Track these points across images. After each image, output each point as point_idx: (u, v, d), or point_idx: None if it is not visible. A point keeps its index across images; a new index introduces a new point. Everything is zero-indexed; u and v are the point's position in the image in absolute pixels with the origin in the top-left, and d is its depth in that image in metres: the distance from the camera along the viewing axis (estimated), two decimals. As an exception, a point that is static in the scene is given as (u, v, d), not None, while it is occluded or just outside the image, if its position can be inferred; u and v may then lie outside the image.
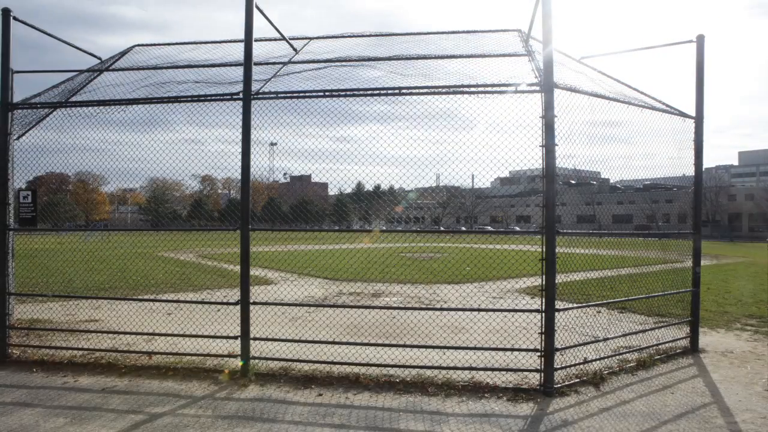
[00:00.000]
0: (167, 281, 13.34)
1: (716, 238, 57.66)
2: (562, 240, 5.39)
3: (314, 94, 5.67)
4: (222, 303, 6.22)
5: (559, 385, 5.22)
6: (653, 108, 6.63)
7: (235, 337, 5.69)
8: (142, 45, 7.93)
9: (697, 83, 6.80)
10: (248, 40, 5.76)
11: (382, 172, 5.78)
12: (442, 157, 5.55)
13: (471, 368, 5.47)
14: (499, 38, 7.09)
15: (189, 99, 6.01)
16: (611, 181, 7.62)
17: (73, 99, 6.58)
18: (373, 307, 6.69)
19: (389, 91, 5.51)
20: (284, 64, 6.80)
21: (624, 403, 4.92)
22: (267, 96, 5.73)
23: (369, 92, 5.55)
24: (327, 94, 5.62)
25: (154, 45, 7.94)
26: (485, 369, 5.46)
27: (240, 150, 5.68)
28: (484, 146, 5.34)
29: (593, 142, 5.71)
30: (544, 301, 5.16)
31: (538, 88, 5.24)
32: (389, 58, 6.65)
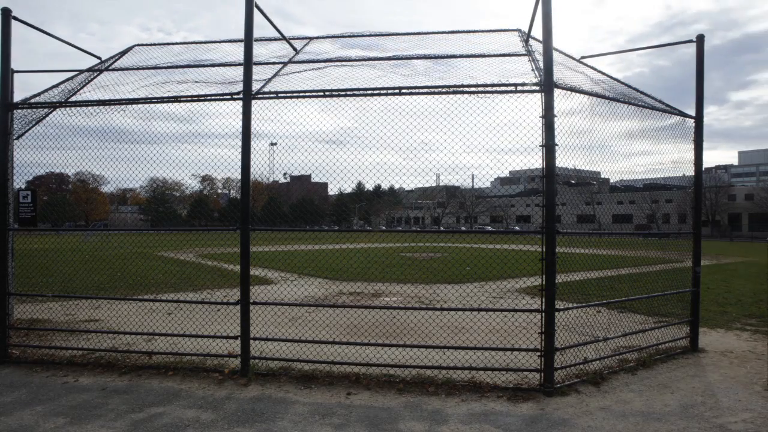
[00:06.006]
0: (167, 281, 13.34)
1: (716, 238, 57.67)
2: (562, 240, 5.39)
3: (314, 94, 5.67)
4: (222, 303, 6.21)
5: (559, 385, 5.22)
6: (653, 108, 6.63)
7: (235, 337, 5.69)
8: (142, 45, 7.93)
9: (696, 83, 6.80)
10: (248, 40, 5.75)
11: (382, 172, 5.78)
12: (442, 156, 5.55)
13: (471, 368, 5.47)
14: (499, 38, 7.10)
15: (189, 99, 6.01)
16: (611, 181, 7.62)
17: (73, 99, 6.58)
18: (373, 307, 6.68)
19: (389, 91, 5.50)
20: (284, 64, 6.80)
21: (624, 402, 4.92)
22: (267, 96, 5.73)
23: (369, 92, 5.55)
24: (327, 94, 5.62)
25: (154, 45, 7.94)
26: (485, 369, 5.46)
27: (240, 149, 5.68)
28: (483, 146, 5.34)
29: (593, 141, 5.72)
30: (544, 301, 5.16)
31: (538, 88, 5.24)
32: (389, 58, 6.65)
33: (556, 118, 5.17)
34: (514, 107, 5.25)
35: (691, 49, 6.78)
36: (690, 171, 6.89)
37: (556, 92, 5.22)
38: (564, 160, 5.37)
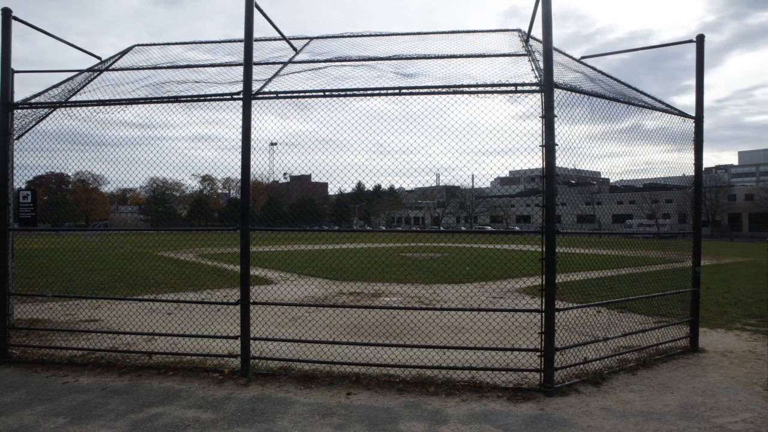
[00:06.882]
0: (167, 281, 13.34)
1: (716, 238, 57.70)
2: (562, 240, 5.38)
3: (314, 94, 5.67)
4: (222, 303, 6.22)
5: (559, 385, 5.22)
6: (653, 108, 6.63)
7: (235, 337, 5.69)
8: (142, 45, 7.94)
9: (696, 83, 6.80)
10: (248, 40, 5.75)
11: (382, 173, 5.78)
12: (442, 157, 5.55)
13: (471, 368, 5.47)
14: (499, 38, 7.10)
15: (189, 99, 6.01)
16: (611, 181, 7.62)
17: (73, 99, 6.58)
18: (373, 307, 6.68)
19: (389, 91, 5.50)
20: (284, 64, 6.80)
21: (624, 402, 4.92)
22: (267, 96, 5.73)
23: (369, 92, 5.55)
24: (327, 94, 5.62)
25: (154, 45, 7.95)
26: (485, 369, 5.46)
27: (240, 150, 5.68)
28: (483, 146, 5.35)
29: (593, 141, 5.72)
30: (544, 301, 5.16)
31: (538, 88, 5.24)
32: (389, 58, 6.65)
33: (556, 118, 5.17)
34: (514, 107, 5.26)
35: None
36: (689, 171, 6.89)
37: (556, 92, 5.22)
38: (564, 160, 5.38)
